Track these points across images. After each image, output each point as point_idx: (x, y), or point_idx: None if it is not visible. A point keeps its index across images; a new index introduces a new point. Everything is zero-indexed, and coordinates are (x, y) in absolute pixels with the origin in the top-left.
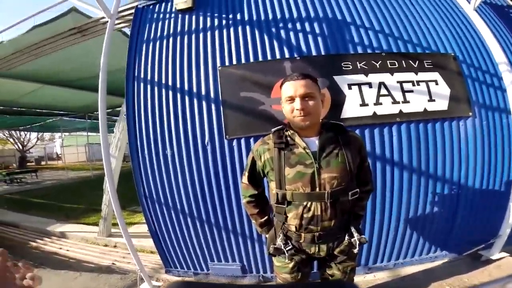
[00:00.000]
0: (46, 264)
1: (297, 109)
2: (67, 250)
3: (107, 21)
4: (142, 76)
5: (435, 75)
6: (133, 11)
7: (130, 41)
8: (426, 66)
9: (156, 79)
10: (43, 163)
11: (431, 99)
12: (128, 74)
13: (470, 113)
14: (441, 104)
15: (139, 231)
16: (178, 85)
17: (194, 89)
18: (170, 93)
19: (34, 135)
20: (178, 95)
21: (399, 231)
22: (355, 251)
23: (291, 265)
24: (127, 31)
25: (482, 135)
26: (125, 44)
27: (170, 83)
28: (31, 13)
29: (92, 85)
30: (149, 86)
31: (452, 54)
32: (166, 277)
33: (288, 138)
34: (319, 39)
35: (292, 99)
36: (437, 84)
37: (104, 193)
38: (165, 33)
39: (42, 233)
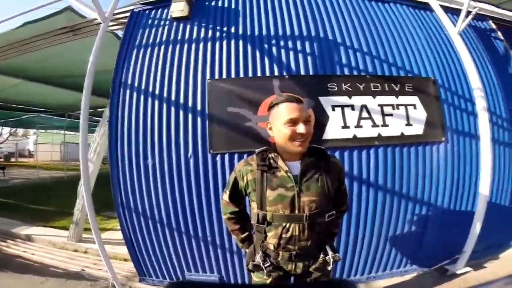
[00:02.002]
0: (8, 267)
1: (300, 133)
2: (33, 254)
3: (101, 23)
4: (129, 82)
5: (414, 99)
6: (128, 14)
7: (121, 45)
8: (407, 89)
9: (143, 86)
10: (13, 159)
11: (408, 123)
12: (115, 79)
13: (443, 138)
14: (417, 129)
15: (113, 238)
16: (165, 94)
17: (181, 100)
18: (156, 102)
19: (6, 129)
20: (164, 105)
21: (372, 246)
22: (329, 268)
23: (269, 281)
24: (120, 33)
25: (452, 160)
26: (116, 46)
27: (157, 91)
28: (24, 9)
29: (77, 83)
30: (135, 93)
31: (432, 78)
32: (140, 286)
33: (271, 161)
34: (309, 58)
35: (294, 123)
36: (415, 108)
37: (78, 198)
38: (158, 40)
39: (5, 234)
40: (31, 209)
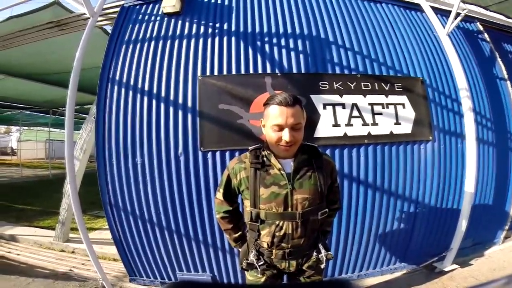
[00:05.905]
0: None
1: (285, 140)
2: (18, 255)
3: (89, 18)
4: (117, 78)
5: (403, 99)
6: (118, 9)
7: (110, 41)
8: (396, 89)
9: (132, 83)
10: None
11: (397, 122)
12: (102, 74)
13: (431, 137)
14: (406, 128)
15: (101, 238)
16: (155, 91)
17: (171, 97)
18: (146, 98)
19: None
20: (154, 102)
21: (363, 243)
22: (322, 266)
23: (263, 279)
24: (109, 28)
25: (439, 159)
26: (104, 41)
27: (146, 88)
28: (11, 3)
29: (62, 80)
30: (123, 89)
31: (421, 78)
32: (130, 286)
33: (265, 159)
34: (301, 56)
35: (280, 128)
36: (404, 107)
37: (64, 197)
38: (148, 35)
39: None
40: (15, 209)
